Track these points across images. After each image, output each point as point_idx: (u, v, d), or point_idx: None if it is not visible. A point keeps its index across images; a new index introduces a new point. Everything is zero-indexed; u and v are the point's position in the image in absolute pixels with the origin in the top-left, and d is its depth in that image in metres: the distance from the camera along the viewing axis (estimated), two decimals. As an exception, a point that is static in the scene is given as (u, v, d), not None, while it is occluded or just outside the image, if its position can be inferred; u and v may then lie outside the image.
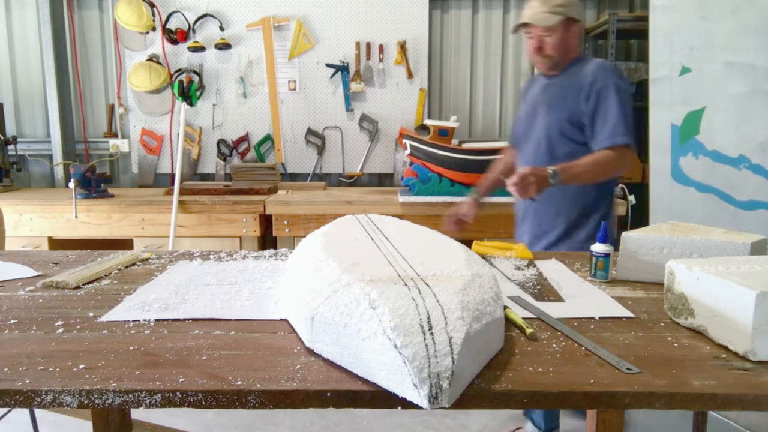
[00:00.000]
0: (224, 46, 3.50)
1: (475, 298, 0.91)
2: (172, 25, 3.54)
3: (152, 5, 3.48)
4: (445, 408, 0.77)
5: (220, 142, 3.63)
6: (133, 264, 1.57)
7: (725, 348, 0.98)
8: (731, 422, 2.39)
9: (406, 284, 0.92)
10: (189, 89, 3.52)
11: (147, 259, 1.62)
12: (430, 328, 0.80)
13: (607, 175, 1.86)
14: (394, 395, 0.81)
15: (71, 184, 2.99)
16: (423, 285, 0.92)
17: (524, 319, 1.10)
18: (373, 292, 0.88)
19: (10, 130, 3.62)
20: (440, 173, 3.09)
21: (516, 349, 0.98)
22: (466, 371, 0.81)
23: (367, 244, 1.18)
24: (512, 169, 1.93)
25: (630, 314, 1.15)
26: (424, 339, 0.78)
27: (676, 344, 1.01)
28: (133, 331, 1.06)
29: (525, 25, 1.91)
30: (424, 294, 0.88)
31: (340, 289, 0.93)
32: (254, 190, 3.20)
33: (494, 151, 2.96)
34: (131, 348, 0.98)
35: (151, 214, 3.05)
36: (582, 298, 1.26)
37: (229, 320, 1.11)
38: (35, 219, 3.05)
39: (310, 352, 0.96)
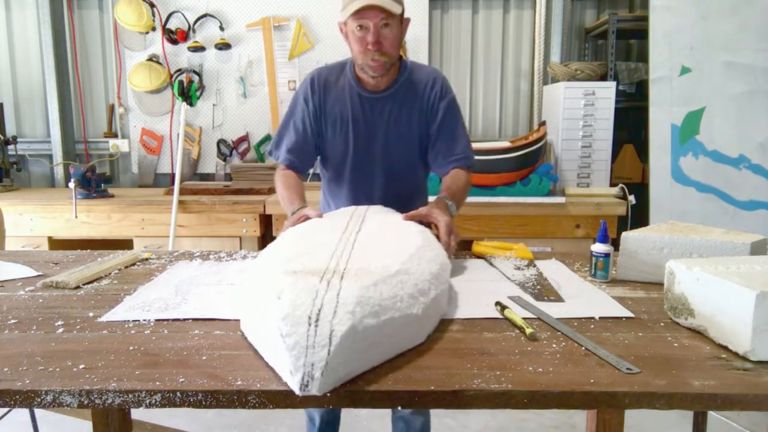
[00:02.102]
0: (224, 46, 3.50)
1: (383, 293, 0.93)
2: (172, 25, 3.53)
3: (152, 5, 3.48)
4: (316, 396, 0.79)
5: (220, 142, 3.63)
6: (133, 264, 1.57)
7: (725, 348, 0.98)
8: (731, 422, 2.40)
9: (321, 277, 0.94)
10: (189, 89, 3.52)
11: (147, 259, 1.62)
12: (317, 320, 0.83)
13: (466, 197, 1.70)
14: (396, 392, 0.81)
15: (71, 184, 2.98)
16: (337, 279, 0.94)
17: (524, 319, 1.10)
18: (285, 282, 0.92)
19: (10, 130, 3.62)
20: (440, 173, 3.09)
21: (516, 349, 0.98)
22: (348, 364, 0.83)
23: (332, 236, 1.21)
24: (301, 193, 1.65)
25: (630, 314, 1.15)
26: (308, 330, 0.82)
27: (676, 344, 1.01)
28: (133, 331, 1.06)
29: (362, 11, 1.50)
30: (331, 287, 0.90)
31: (264, 279, 0.99)
32: (254, 190, 3.19)
33: (494, 151, 2.96)
34: (131, 348, 0.98)
35: (151, 214, 3.05)
36: (582, 298, 1.26)
37: (229, 320, 1.11)
38: (35, 219, 3.05)
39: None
